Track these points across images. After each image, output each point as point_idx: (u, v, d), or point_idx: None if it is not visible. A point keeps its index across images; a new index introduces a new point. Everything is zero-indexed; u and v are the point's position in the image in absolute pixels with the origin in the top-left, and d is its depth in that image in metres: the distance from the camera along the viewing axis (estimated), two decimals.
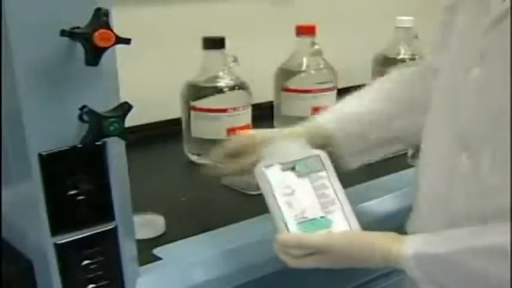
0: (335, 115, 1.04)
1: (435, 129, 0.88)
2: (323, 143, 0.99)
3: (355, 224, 0.85)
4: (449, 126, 0.83)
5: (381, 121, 1.02)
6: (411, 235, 0.84)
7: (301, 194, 0.86)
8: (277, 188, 0.86)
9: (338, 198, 0.86)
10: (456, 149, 0.81)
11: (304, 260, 0.84)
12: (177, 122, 1.36)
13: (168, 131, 1.44)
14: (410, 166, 1.29)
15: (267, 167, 0.88)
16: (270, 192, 0.86)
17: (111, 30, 0.68)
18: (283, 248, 0.84)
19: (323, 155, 0.90)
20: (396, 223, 1.12)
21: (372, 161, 1.12)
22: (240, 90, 1.32)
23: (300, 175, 0.87)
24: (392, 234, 0.83)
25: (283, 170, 0.87)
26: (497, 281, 0.75)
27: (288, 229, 0.83)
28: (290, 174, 0.87)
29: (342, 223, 0.85)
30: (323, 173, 0.88)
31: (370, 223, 1.08)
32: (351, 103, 1.06)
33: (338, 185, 0.87)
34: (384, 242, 0.82)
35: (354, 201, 1.06)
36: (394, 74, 1.10)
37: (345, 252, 0.83)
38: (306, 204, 0.85)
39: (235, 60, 1.30)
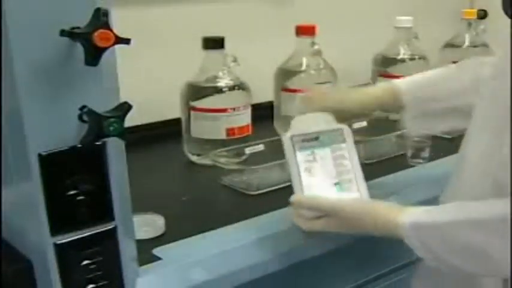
0: (408, 80, 1.12)
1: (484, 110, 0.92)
2: (393, 103, 1.08)
3: (365, 194, 0.94)
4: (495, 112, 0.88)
5: (449, 92, 1.08)
6: (414, 207, 0.87)
7: (320, 162, 0.95)
8: (300, 155, 0.95)
9: (353, 170, 0.96)
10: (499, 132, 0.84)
11: (314, 223, 0.92)
12: (176, 122, 1.36)
13: (167, 131, 1.44)
14: (410, 166, 1.30)
15: (294, 135, 0.97)
16: (293, 158, 0.95)
17: (111, 30, 0.68)
18: (297, 209, 0.93)
19: (346, 129, 0.99)
20: None
21: (430, 134, 1.26)
22: (240, 90, 1.32)
23: (322, 145, 0.96)
24: (397, 206, 0.89)
25: (308, 139, 0.96)
26: (495, 257, 0.77)
27: (303, 192, 0.93)
28: (313, 143, 0.96)
29: (353, 192, 0.94)
30: (343, 145, 0.97)
31: None
32: (425, 74, 1.14)
33: (355, 158, 0.97)
34: (387, 211, 0.88)
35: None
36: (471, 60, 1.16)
37: (350, 217, 0.90)
38: (324, 171, 0.95)
39: (235, 60, 1.30)
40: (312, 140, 0.97)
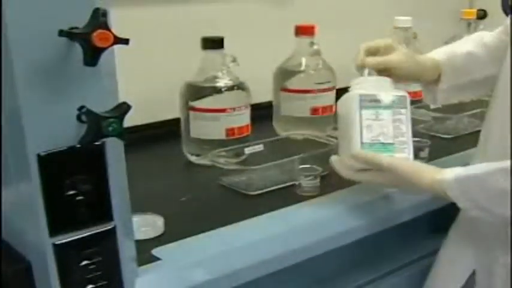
0: (443, 52, 1.20)
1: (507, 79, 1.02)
2: (434, 73, 1.17)
3: (412, 156, 1.04)
4: None
5: (477, 65, 1.17)
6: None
7: (381, 122, 1.04)
8: (364, 113, 1.04)
9: (408, 134, 1.05)
10: None
11: (363, 174, 1.04)
12: (176, 122, 1.36)
13: (167, 131, 1.44)
14: None
15: (362, 94, 1.05)
16: (357, 114, 1.04)
17: (110, 31, 0.68)
18: (352, 160, 1.03)
19: (406, 96, 1.08)
20: (399, 221, 1.12)
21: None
22: (239, 91, 1.32)
23: (385, 107, 1.05)
24: (439, 167, 0.99)
25: (373, 100, 1.05)
26: None
27: (362, 145, 1.02)
28: (378, 104, 1.05)
29: (403, 152, 1.04)
30: (403, 111, 1.06)
31: (372, 221, 1.09)
32: (454, 47, 1.22)
33: (410, 124, 1.06)
34: (432, 170, 0.99)
35: (353, 202, 1.07)
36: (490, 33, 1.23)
37: (400, 174, 1.00)
38: (382, 130, 1.04)
39: (234, 60, 1.30)
40: (377, 101, 1.05)
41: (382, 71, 1.12)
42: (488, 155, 1.05)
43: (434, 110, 1.52)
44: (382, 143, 1.03)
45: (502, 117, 1.02)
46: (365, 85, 1.09)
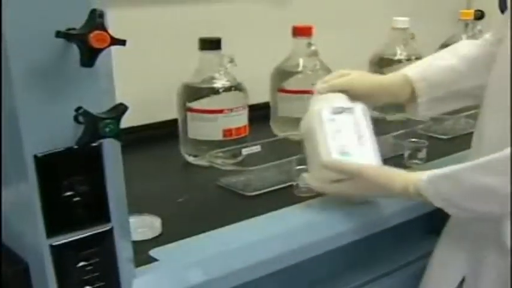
0: (417, 68, 1.21)
1: (497, 83, 1.03)
2: (403, 91, 1.18)
3: (381, 162, 1.07)
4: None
5: (454, 77, 1.18)
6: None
7: (344, 133, 1.08)
8: (327, 126, 1.08)
9: (371, 141, 1.09)
10: None
11: (334, 186, 1.05)
12: (173, 123, 1.36)
13: (164, 132, 1.44)
14: (407, 167, 1.30)
15: (322, 109, 1.10)
16: (320, 128, 1.08)
17: (107, 32, 0.68)
18: (323, 172, 1.04)
19: (365, 107, 1.12)
20: (395, 222, 1.12)
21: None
22: (237, 91, 1.32)
23: (345, 119, 1.09)
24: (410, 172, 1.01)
25: (334, 113, 1.09)
26: (502, 193, 0.88)
27: (330, 155, 1.04)
28: (338, 117, 1.09)
29: (371, 159, 1.06)
30: (363, 121, 1.10)
31: (370, 222, 1.09)
32: (429, 61, 1.23)
33: (372, 132, 1.10)
34: (403, 173, 1.01)
35: (350, 203, 1.07)
36: (470, 41, 1.28)
37: (372, 179, 1.02)
38: (347, 141, 1.07)
39: (232, 61, 1.30)
40: (337, 113, 1.10)
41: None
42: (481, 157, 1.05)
43: None
44: (349, 152, 1.06)
45: (493, 120, 1.02)
46: (323, 101, 1.13)
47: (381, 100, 1.21)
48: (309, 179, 1.09)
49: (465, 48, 1.21)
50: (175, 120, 1.35)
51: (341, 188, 1.04)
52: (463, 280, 1.08)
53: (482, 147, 1.03)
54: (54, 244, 0.75)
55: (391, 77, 1.20)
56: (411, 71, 1.19)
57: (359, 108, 1.11)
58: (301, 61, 1.46)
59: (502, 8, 1.63)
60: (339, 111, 1.10)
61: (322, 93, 1.15)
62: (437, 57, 1.23)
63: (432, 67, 1.19)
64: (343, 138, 1.07)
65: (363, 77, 1.19)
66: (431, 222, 1.12)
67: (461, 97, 1.19)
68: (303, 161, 1.14)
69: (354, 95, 1.14)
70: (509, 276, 0.99)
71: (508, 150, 0.87)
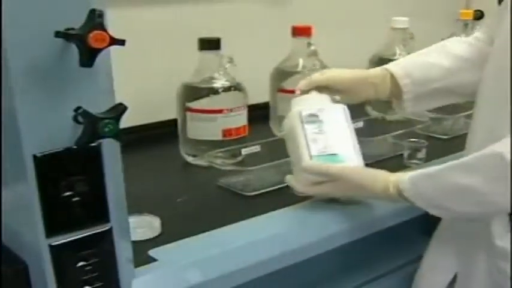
0: (402, 64, 1.20)
1: (491, 80, 1.02)
2: (387, 86, 1.17)
3: (362, 163, 1.07)
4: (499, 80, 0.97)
5: (440, 73, 1.17)
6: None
7: (325, 134, 1.07)
8: (308, 127, 1.07)
9: (353, 142, 1.08)
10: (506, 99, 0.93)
11: (315, 187, 1.05)
12: (172, 123, 1.36)
13: (163, 132, 1.44)
14: (406, 167, 1.30)
15: (302, 110, 1.09)
16: (301, 130, 1.07)
17: (106, 32, 0.68)
18: (304, 174, 1.04)
19: (345, 107, 1.12)
20: (394, 222, 1.12)
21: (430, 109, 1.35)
22: (236, 91, 1.32)
23: (326, 120, 1.09)
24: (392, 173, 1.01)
25: (314, 114, 1.09)
26: (482, 191, 0.88)
27: (311, 158, 1.04)
28: (319, 118, 1.09)
29: (352, 160, 1.06)
30: (344, 122, 1.10)
31: (368, 222, 1.09)
32: (416, 57, 1.22)
33: (354, 133, 1.09)
34: (385, 174, 1.01)
35: (349, 203, 1.07)
36: (459, 38, 1.27)
37: (353, 180, 1.02)
38: (328, 142, 1.07)
39: (231, 61, 1.30)
40: (318, 115, 1.09)
41: (324, 88, 1.14)
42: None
43: (432, 111, 1.52)
44: (330, 154, 1.05)
45: (483, 120, 1.02)
46: (304, 102, 1.12)
47: (362, 93, 1.18)
48: (292, 181, 1.08)
49: (453, 45, 1.20)
50: (174, 120, 1.35)
51: (323, 190, 1.05)
52: (453, 281, 1.08)
53: (472, 147, 1.03)
54: (53, 244, 0.75)
55: (371, 70, 1.20)
56: (395, 67, 1.18)
57: (340, 108, 1.11)
58: (300, 61, 1.46)
59: None
60: (320, 112, 1.09)
61: (303, 90, 1.14)
62: (422, 53, 1.22)
63: (417, 64, 1.19)
64: (324, 139, 1.07)
65: (343, 71, 1.18)
66: (426, 224, 1.12)
67: (447, 94, 1.19)
68: None
69: (335, 90, 1.15)
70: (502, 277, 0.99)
71: (487, 149, 0.88)
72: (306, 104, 1.11)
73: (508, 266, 0.97)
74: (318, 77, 1.15)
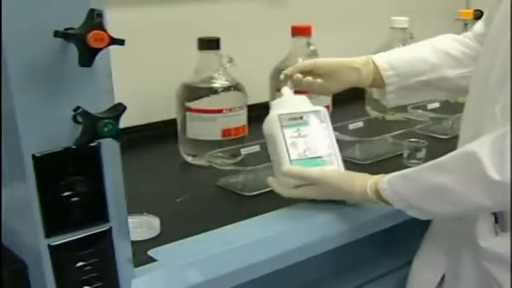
0: (387, 57, 1.21)
1: (479, 82, 1.02)
2: (369, 76, 1.18)
3: (342, 166, 1.08)
4: (487, 81, 0.96)
5: (424, 67, 1.18)
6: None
7: (304, 138, 1.08)
8: (287, 131, 1.07)
9: (332, 146, 1.09)
10: (492, 99, 0.94)
11: (297, 190, 1.06)
12: (172, 123, 1.36)
13: (163, 132, 1.44)
14: (406, 167, 1.29)
15: (281, 114, 1.09)
16: (280, 134, 1.07)
17: (105, 31, 0.68)
18: (285, 178, 1.05)
19: (324, 110, 1.12)
20: (392, 223, 1.12)
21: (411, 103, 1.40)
22: (236, 91, 1.32)
23: (305, 123, 1.09)
24: (369, 175, 1.02)
25: (293, 118, 1.09)
26: (456, 190, 0.88)
27: (291, 162, 1.05)
28: (298, 122, 1.09)
29: (333, 165, 1.07)
30: (323, 125, 1.10)
31: (368, 223, 1.09)
32: (401, 51, 1.27)
33: (333, 136, 1.10)
34: (363, 176, 1.02)
35: (349, 203, 1.07)
36: (451, 35, 1.26)
37: (332, 184, 1.03)
38: (307, 146, 1.07)
39: (231, 60, 1.30)
40: (297, 118, 1.09)
41: (308, 73, 1.17)
42: None
43: (432, 111, 1.52)
44: (310, 158, 1.06)
45: (472, 122, 1.02)
46: (283, 105, 1.13)
47: (345, 78, 1.19)
48: (274, 184, 1.09)
49: (442, 41, 1.22)
50: (174, 120, 1.35)
51: (304, 193, 1.06)
52: (443, 279, 1.08)
53: (458, 147, 1.03)
54: (52, 244, 0.75)
55: (354, 58, 1.20)
56: (379, 58, 1.20)
57: (319, 111, 1.11)
58: (300, 61, 1.45)
59: None
60: (299, 115, 1.09)
61: (288, 75, 1.17)
62: (409, 47, 1.25)
63: (403, 57, 1.20)
64: (303, 143, 1.07)
65: (327, 58, 1.20)
66: (422, 226, 1.12)
67: (431, 89, 1.20)
68: None
69: (317, 74, 1.16)
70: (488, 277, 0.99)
71: (462, 148, 0.90)
72: (284, 107, 1.11)
73: (493, 267, 0.97)
74: (302, 62, 1.18)
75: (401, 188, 0.95)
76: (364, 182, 1.00)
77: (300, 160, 1.06)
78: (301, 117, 1.09)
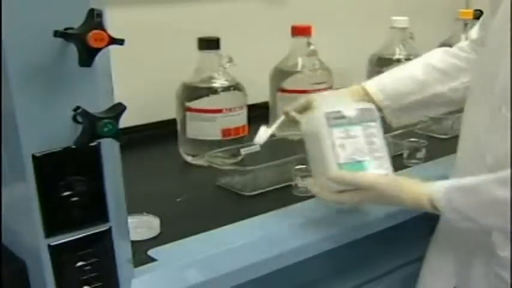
0: (377, 80, 1.18)
1: (480, 86, 1.00)
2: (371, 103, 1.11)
3: (390, 170, 0.99)
4: (491, 83, 0.94)
5: (418, 85, 1.15)
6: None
7: (353, 139, 0.98)
8: (334, 132, 0.98)
9: (383, 147, 1.00)
10: (497, 102, 0.92)
11: (342, 196, 0.98)
12: (172, 122, 1.36)
13: (163, 132, 1.44)
14: (406, 166, 1.30)
15: (328, 112, 0.99)
16: (326, 134, 0.98)
17: (105, 31, 0.68)
18: (329, 182, 0.97)
19: (374, 108, 1.03)
20: (393, 223, 1.12)
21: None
22: (235, 91, 1.32)
23: (354, 123, 0.99)
24: (423, 181, 0.96)
25: (340, 116, 0.99)
26: None
27: (339, 166, 0.96)
28: (346, 121, 0.99)
29: (383, 169, 0.98)
30: (373, 124, 1.01)
31: (368, 222, 1.09)
32: (392, 73, 1.21)
33: (382, 137, 1.01)
34: (417, 185, 0.95)
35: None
36: (442, 49, 1.22)
37: (383, 191, 0.96)
38: (356, 147, 0.98)
39: (231, 60, 1.30)
40: (344, 117, 0.99)
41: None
42: (460, 160, 1.06)
43: None
44: (359, 161, 0.97)
45: (473, 118, 1.02)
46: (330, 103, 1.04)
47: None
48: (315, 189, 1.01)
49: (431, 56, 1.19)
50: (174, 120, 1.35)
51: (345, 198, 0.98)
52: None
53: (460, 151, 1.03)
54: (52, 244, 0.75)
55: (351, 88, 1.17)
56: (370, 84, 1.17)
57: (369, 111, 1.02)
58: (300, 60, 1.46)
59: None
60: (347, 114, 1.00)
61: (288, 114, 1.12)
62: (400, 68, 1.23)
63: (392, 78, 1.18)
64: (352, 144, 0.98)
65: (322, 94, 1.20)
66: (424, 225, 1.12)
67: (427, 105, 1.18)
68: (301, 161, 1.14)
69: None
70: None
71: None
72: (331, 106, 1.02)
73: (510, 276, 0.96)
74: (298, 101, 1.13)
75: (459, 200, 0.90)
76: (415, 189, 0.94)
77: (347, 163, 0.96)
78: (348, 116, 1.00)
